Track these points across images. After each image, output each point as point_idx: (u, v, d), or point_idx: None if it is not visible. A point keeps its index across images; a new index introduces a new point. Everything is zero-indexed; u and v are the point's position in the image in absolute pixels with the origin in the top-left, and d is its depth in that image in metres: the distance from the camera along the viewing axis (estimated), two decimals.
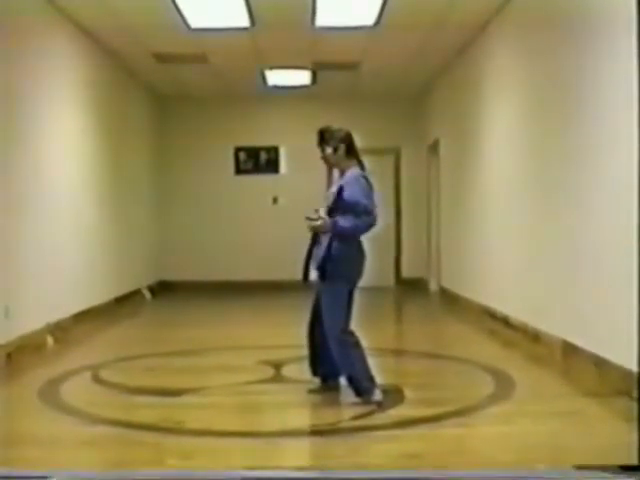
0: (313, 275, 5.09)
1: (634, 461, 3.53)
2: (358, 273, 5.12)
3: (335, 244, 4.97)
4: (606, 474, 3.53)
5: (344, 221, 4.93)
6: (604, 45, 5.45)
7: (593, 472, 3.56)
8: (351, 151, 5.16)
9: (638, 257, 3.85)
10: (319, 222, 4.99)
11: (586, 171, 5.85)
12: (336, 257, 4.97)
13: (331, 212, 5.01)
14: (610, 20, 5.33)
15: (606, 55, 5.43)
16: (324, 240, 5.02)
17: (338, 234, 4.96)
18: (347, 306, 5.09)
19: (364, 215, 4.93)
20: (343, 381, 5.17)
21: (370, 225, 4.98)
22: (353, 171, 5.11)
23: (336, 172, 5.35)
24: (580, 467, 3.63)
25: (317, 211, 5.06)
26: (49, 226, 7.81)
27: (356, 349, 5.01)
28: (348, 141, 5.16)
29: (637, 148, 4.20)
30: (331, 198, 5.06)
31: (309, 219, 5.02)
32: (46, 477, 3.52)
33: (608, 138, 5.42)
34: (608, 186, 5.42)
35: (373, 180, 5.15)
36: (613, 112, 5.30)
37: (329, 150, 5.15)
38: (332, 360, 5.11)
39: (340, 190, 5.01)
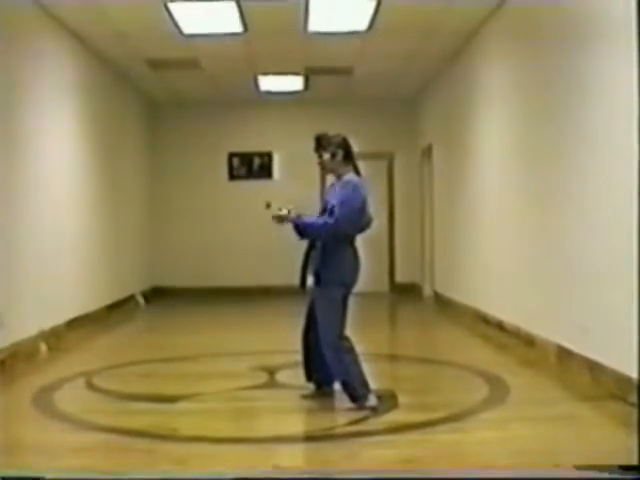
0: (310, 281, 5.09)
1: (631, 463, 3.53)
2: (353, 279, 5.12)
3: (330, 250, 4.98)
4: (606, 474, 3.53)
5: (307, 217, 5.01)
6: (598, 50, 5.46)
7: (593, 472, 3.57)
8: (348, 157, 5.17)
9: (638, 261, 3.86)
10: (283, 212, 5.03)
11: (581, 175, 5.86)
12: (331, 262, 4.97)
13: (324, 213, 5.08)
14: (605, 23, 5.34)
15: (600, 59, 5.43)
16: (319, 246, 5.03)
17: (300, 229, 5.01)
18: (342, 311, 5.08)
19: (326, 214, 4.96)
20: (337, 387, 5.16)
21: (327, 228, 4.94)
22: (349, 177, 5.12)
23: (330, 178, 5.35)
24: (580, 467, 3.63)
25: (280, 210, 5.09)
26: (42, 232, 7.79)
27: (350, 354, 5.00)
28: (345, 147, 5.16)
29: (636, 151, 4.20)
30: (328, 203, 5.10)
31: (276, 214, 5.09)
32: (41, 478, 3.52)
33: (603, 142, 5.43)
34: (604, 190, 5.42)
35: (367, 185, 5.16)
36: (611, 115, 5.30)
37: (326, 156, 5.16)
38: (326, 366, 5.10)
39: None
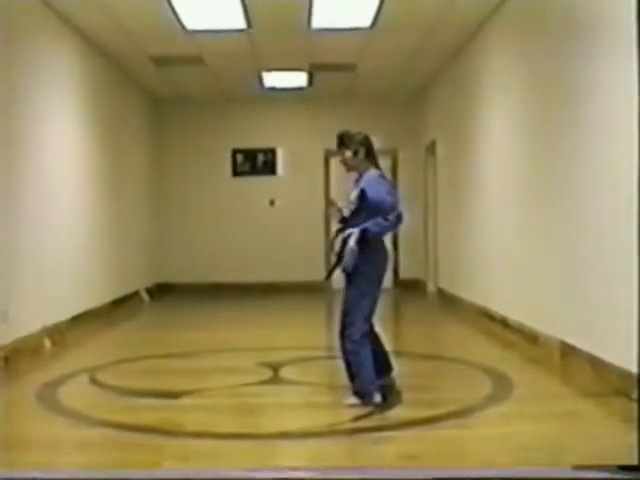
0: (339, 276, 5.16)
1: (633, 461, 3.53)
2: (385, 269, 5.16)
3: (367, 244, 4.98)
4: (605, 474, 3.53)
5: (372, 225, 4.95)
6: (602, 45, 5.45)
7: (592, 472, 3.57)
8: (370, 154, 5.19)
9: (637, 258, 3.85)
10: (352, 240, 4.96)
11: (585, 172, 5.85)
12: (370, 256, 4.99)
13: (354, 214, 5.04)
14: (608, 20, 5.33)
15: (604, 55, 5.42)
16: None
17: (371, 239, 4.98)
18: (373, 307, 5.10)
19: (391, 213, 4.96)
20: (346, 381, 5.15)
21: (397, 223, 5.03)
22: (371, 173, 5.14)
23: (352, 175, 5.31)
24: (579, 467, 3.63)
25: (335, 203, 5.26)
26: (46, 229, 7.80)
27: (368, 351, 5.03)
28: (367, 144, 5.19)
29: (637, 149, 4.19)
30: (353, 202, 5.07)
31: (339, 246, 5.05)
32: (46, 478, 3.53)
33: (607, 139, 5.42)
34: (607, 187, 5.41)
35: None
36: (612, 113, 5.29)
37: (348, 154, 5.17)
38: (377, 358, 5.10)
39: (362, 192, 5.03)
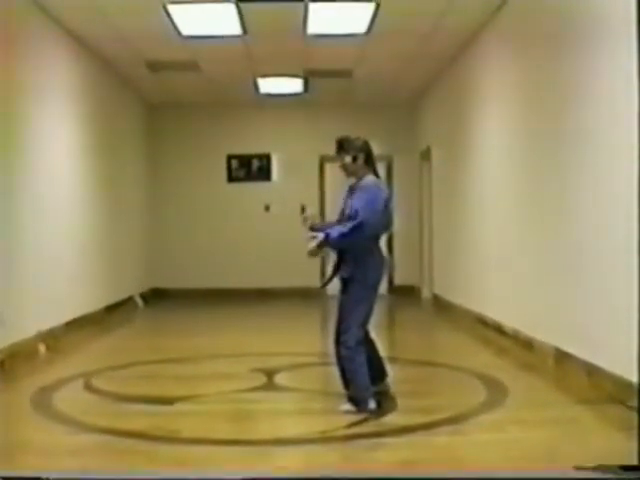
0: (336, 284, 5.19)
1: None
2: (380, 278, 5.17)
3: (362, 251, 5.02)
4: (606, 474, 3.53)
5: (333, 230, 4.97)
6: (600, 52, 5.45)
7: (593, 472, 3.57)
8: (369, 160, 5.20)
9: (638, 266, 3.86)
10: (313, 243, 4.99)
11: (581, 178, 5.86)
12: (365, 264, 5.02)
13: (350, 218, 5.04)
14: (606, 27, 5.34)
15: (602, 62, 5.43)
16: (352, 249, 5.04)
17: (331, 243, 4.98)
18: (368, 314, 5.11)
19: (347, 220, 4.95)
20: (341, 388, 5.15)
21: (354, 232, 4.90)
22: (369, 179, 5.15)
23: (348, 181, 5.32)
24: (580, 467, 3.63)
25: (304, 209, 5.33)
26: (41, 234, 7.79)
27: (363, 358, 5.03)
28: (366, 150, 5.19)
29: (637, 157, 4.20)
30: (349, 207, 5.11)
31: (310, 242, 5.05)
32: (40, 479, 3.53)
33: (605, 146, 5.42)
34: (604, 194, 5.41)
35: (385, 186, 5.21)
36: (610, 120, 5.29)
37: (348, 159, 5.17)
38: (372, 365, 5.11)
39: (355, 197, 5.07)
